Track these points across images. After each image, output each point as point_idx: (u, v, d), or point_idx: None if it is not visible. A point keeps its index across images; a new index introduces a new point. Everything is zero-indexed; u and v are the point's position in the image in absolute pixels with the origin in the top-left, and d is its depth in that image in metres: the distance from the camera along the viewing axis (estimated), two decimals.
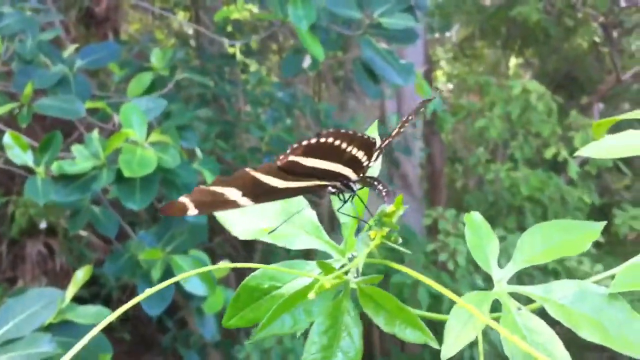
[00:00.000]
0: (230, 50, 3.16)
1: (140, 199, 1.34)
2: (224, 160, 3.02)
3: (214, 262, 1.88)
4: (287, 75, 2.56)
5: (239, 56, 3.31)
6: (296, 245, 0.38)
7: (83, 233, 3.32)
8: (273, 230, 0.37)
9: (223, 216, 0.38)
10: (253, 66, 3.88)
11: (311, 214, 0.39)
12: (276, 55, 4.49)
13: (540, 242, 0.39)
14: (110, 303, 3.49)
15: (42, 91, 1.59)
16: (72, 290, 1.21)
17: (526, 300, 0.36)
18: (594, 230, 0.39)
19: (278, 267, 0.36)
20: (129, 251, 1.78)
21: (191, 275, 1.37)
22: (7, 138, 1.34)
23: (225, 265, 0.37)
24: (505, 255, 2.83)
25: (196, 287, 1.56)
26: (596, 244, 2.58)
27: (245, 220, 0.38)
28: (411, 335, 0.33)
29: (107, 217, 1.76)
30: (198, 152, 1.59)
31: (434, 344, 0.34)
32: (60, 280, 3.53)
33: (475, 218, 0.41)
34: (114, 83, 2.25)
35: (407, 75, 1.66)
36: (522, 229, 3.19)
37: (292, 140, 3.05)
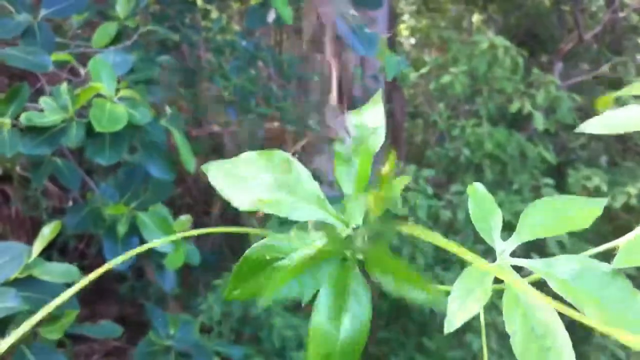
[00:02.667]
0: None
1: (110, 154, 1.33)
2: (186, 109, 2.99)
3: (174, 212, 1.88)
4: (251, 27, 2.52)
5: (199, 2, 3.23)
6: (297, 216, 0.37)
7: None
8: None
9: (225, 190, 0.38)
10: (214, 13, 3.80)
11: (314, 185, 0.38)
12: (237, 2, 4.40)
13: (543, 217, 0.40)
14: (67, 252, 3.46)
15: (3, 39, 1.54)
16: (39, 245, 1.20)
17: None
18: (596, 207, 0.40)
19: (280, 236, 0.36)
20: (91, 204, 1.76)
21: (164, 240, 1.36)
22: None
23: (220, 229, 0.37)
24: (463, 208, 2.88)
25: (162, 245, 1.55)
26: None
27: (245, 192, 0.37)
28: (421, 296, 0.32)
29: (70, 169, 1.73)
30: (167, 109, 1.57)
31: (443, 306, 0.35)
32: (16, 227, 3.49)
33: (478, 189, 0.41)
34: (72, 28, 2.19)
35: (370, 46, 1.67)
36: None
37: (256, 91, 3.03)
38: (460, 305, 0.33)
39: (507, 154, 3.15)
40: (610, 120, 0.40)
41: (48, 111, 1.33)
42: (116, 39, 1.73)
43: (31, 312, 1.19)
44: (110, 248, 1.59)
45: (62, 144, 1.36)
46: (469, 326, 2.87)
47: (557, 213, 0.39)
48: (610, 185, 3.42)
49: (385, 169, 0.35)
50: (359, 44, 1.81)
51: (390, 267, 0.32)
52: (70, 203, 3.43)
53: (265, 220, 3.36)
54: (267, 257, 0.34)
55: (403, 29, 4.76)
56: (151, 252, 1.70)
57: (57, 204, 3.45)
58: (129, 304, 3.49)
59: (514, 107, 3.12)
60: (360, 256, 0.35)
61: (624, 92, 0.45)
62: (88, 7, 2.12)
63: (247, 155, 0.37)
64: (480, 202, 0.39)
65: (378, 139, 0.39)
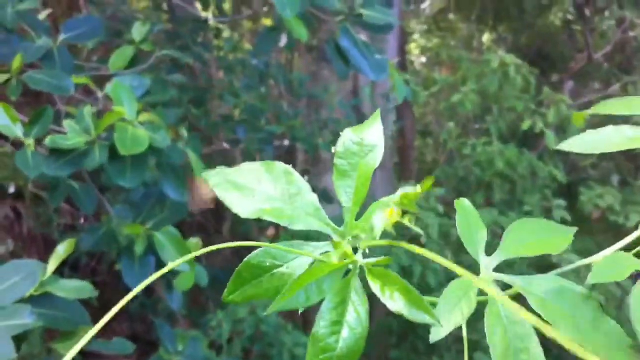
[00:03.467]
0: (203, 14, 3.16)
1: (131, 177, 1.39)
2: (197, 127, 3.05)
3: (184, 232, 1.95)
4: (263, 52, 2.59)
5: (212, 21, 3.32)
6: (297, 226, 0.39)
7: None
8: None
9: (226, 198, 0.40)
10: (226, 32, 3.89)
11: (313, 197, 0.40)
12: (249, 21, 4.49)
13: (524, 237, 0.44)
14: (78, 269, 3.52)
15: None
16: (53, 263, 1.26)
17: (503, 286, 0.41)
18: (569, 234, 0.44)
19: (280, 246, 0.39)
20: (107, 224, 1.82)
21: (183, 260, 1.42)
22: None
23: (231, 244, 0.39)
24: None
25: (179, 266, 1.61)
26: (563, 222, 2.69)
27: (249, 202, 0.40)
28: (417, 316, 0.36)
29: (85, 192, 1.80)
30: (183, 132, 1.64)
31: (436, 325, 0.37)
32: (28, 245, 3.56)
33: (464, 205, 0.45)
34: (87, 49, 2.26)
35: (380, 71, 1.73)
36: (490, 204, 3.30)
37: (266, 109, 3.09)
38: (446, 316, 0.38)
39: (517, 173, 3.20)
40: (586, 140, 0.45)
41: (71, 134, 1.39)
42: (132, 62, 1.81)
43: (45, 329, 1.25)
44: (128, 267, 1.65)
45: (85, 166, 1.42)
46: (479, 345, 2.91)
47: (537, 235, 0.43)
48: (623, 204, 3.46)
49: (417, 189, 0.38)
50: (369, 70, 1.88)
51: (390, 283, 0.36)
52: (82, 221, 3.51)
53: (276, 239, 3.42)
54: (267, 264, 0.38)
55: (414, 48, 4.84)
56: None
57: (69, 222, 3.52)
58: (139, 322, 3.54)
59: (525, 125, 3.18)
60: (362, 268, 0.38)
61: (597, 109, 0.49)
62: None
63: (250, 166, 0.40)
64: (467, 218, 0.43)
65: (377, 155, 0.42)
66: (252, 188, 0.40)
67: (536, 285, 0.38)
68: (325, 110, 3.56)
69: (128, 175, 1.45)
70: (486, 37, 4.56)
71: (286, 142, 3.62)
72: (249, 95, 3.07)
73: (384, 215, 0.37)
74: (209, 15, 3.10)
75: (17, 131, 1.40)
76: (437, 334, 0.36)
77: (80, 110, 1.50)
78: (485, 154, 3.14)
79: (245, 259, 0.40)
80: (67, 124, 1.45)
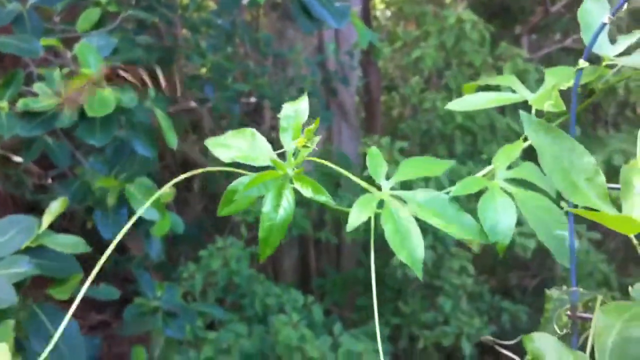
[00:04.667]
0: None
1: (100, 136, 1.51)
2: (163, 86, 3.15)
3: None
4: (226, 9, 2.69)
5: None
6: (258, 163, 0.59)
7: (18, 159, 3.41)
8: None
9: (216, 152, 0.60)
10: None
11: (268, 146, 0.61)
12: None
13: (413, 167, 0.63)
14: (51, 228, 3.62)
15: None
16: (48, 218, 1.40)
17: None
18: (445, 164, 0.63)
19: (248, 174, 0.59)
20: (81, 178, 1.95)
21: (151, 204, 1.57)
22: None
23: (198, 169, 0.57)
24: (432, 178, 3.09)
25: (150, 214, 1.75)
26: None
27: (228, 152, 0.60)
28: (318, 198, 0.56)
29: (59, 147, 1.91)
30: (151, 91, 1.75)
31: (329, 200, 0.56)
32: None
33: (372, 151, 0.63)
34: (55, 11, 2.34)
35: (341, 18, 1.85)
36: (452, 155, 3.47)
37: (233, 68, 3.20)
38: (357, 215, 0.53)
39: (477, 125, 3.36)
40: (465, 102, 0.62)
41: (42, 96, 1.51)
42: (99, 23, 1.91)
43: (41, 277, 1.39)
44: (102, 219, 1.78)
45: (56, 126, 1.54)
46: (441, 290, 3.11)
47: (422, 165, 0.60)
48: None
49: (311, 127, 0.59)
50: (330, 18, 1.99)
51: (303, 181, 0.56)
52: (50, 181, 3.61)
53: None
54: (240, 188, 0.57)
55: (378, 2, 4.94)
56: (140, 221, 1.89)
57: (37, 182, 3.61)
58: (111, 280, 3.67)
59: (481, 81, 3.32)
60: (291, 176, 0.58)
61: (482, 81, 0.66)
62: None
63: (229, 133, 0.61)
64: (374, 159, 0.60)
65: (302, 118, 0.62)
66: (230, 144, 0.61)
67: (417, 195, 0.55)
68: (291, 68, 3.67)
69: (97, 135, 1.57)
70: None
71: (252, 99, 3.73)
72: (216, 54, 3.16)
73: (297, 142, 0.56)
74: None
75: None
76: (350, 226, 0.52)
77: (49, 72, 1.61)
78: (445, 109, 3.29)
79: (228, 187, 0.59)
80: (37, 87, 1.56)
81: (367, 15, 4.15)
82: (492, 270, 4.14)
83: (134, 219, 0.63)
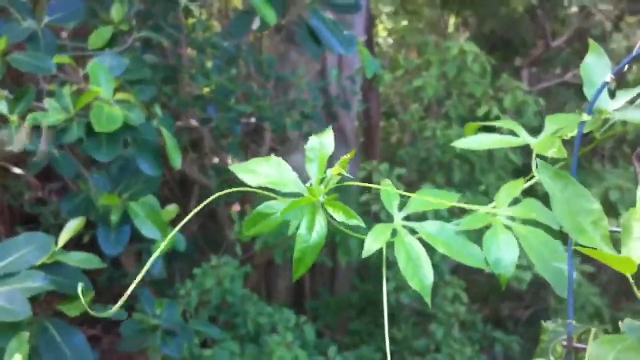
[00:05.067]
0: None
1: (107, 152, 1.56)
2: (168, 106, 3.20)
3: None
4: (236, 36, 2.75)
5: (183, 1, 3.44)
6: (286, 190, 0.64)
7: (18, 171, 3.44)
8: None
9: (244, 178, 0.64)
10: (196, 10, 4.01)
11: (294, 174, 0.65)
12: (218, 1, 4.61)
13: (422, 200, 0.68)
14: None
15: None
16: (65, 236, 1.45)
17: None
18: (454, 197, 0.68)
19: (279, 198, 0.64)
20: (85, 193, 1.99)
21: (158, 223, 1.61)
22: None
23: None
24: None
25: (152, 232, 1.79)
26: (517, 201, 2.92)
27: (256, 178, 0.64)
28: (350, 222, 0.60)
29: (65, 160, 1.95)
30: (158, 110, 1.80)
31: (361, 223, 0.60)
32: None
33: (386, 185, 0.68)
34: (68, 29, 2.40)
35: (349, 46, 1.90)
36: (450, 184, 3.52)
37: (236, 90, 3.25)
38: (372, 242, 0.58)
39: (475, 155, 3.41)
40: (470, 142, 0.67)
41: (52, 111, 1.56)
42: (111, 42, 1.97)
43: (55, 293, 1.43)
44: (104, 235, 1.82)
45: (64, 141, 1.59)
46: (434, 317, 3.14)
47: (432, 197, 0.64)
48: None
49: (346, 157, 0.64)
50: (338, 46, 2.05)
51: (335, 206, 0.60)
52: (48, 194, 3.63)
53: (242, 213, 3.59)
54: (267, 212, 0.62)
55: (381, 30, 5.02)
56: (142, 241, 1.93)
57: (37, 195, 3.63)
58: (105, 296, 3.69)
59: (482, 110, 3.39)
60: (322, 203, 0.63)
61: (485, 124, 0.71)
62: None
63: (256, 160, 0.66)
64: (387, 193, 0.65)
65: (329, 150, 0.66)
66: (257, 171, 0.65)
67: (427, 227, 0.60)
68: (294, 92, 3.72)
69: (104, 150, 1.62)
70: (451, 22, 4.75)
71: (253, 120, 3.78)
72: (220, 76, 3.22)
73: (332, 171, 0.60)
74: None
75: (3, 108, 1.56)
76: (368, 251, 0.57)
77: (59, 89, 1.66)
78: (445, 137, 3.35)
79: (256, 210, 0.64)
80: (47, 102, 1.61)
81: (370, 43, 4.22)
82: (485, 300, 4.18)
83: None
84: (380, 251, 0.60)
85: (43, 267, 1.35)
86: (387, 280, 2.96)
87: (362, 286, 3.67)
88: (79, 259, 1.41)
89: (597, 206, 0.54)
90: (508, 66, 4.55)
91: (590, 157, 4.71)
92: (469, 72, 3.36)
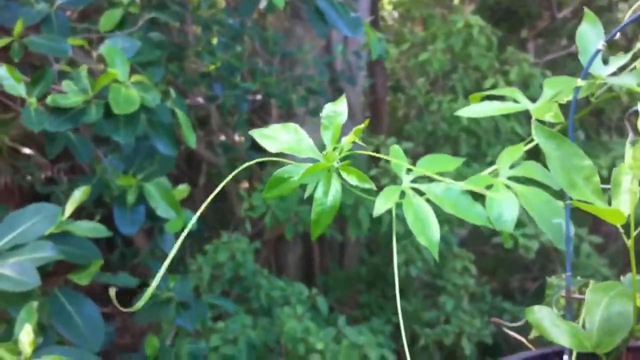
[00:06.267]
0: None
1: (125, 133, 1.62)
2: (175, 84, 3.25)
3: None
4: (245, 15, 2.79)
5: None
6: (303, 155, 0.67)
7: (28, 151, 3.51)
8: None
9: (263, 143, 0.67)
10: None
11: (310, 141, 0.68)
12: None
13: (430, 162, 0.73)
14: None
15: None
16: (71, 206, 1.50)
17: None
18: (459, 161, 0.73)
19: (295, 163, 0.67)
20: (100, 174, 2.05)
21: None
22: (3, 70, 1.58)
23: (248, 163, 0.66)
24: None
25: (166, 212, 1.85)
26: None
27: (274, 144, 0.67)
28: (363, 185, 0.64)
29: (81, 143, 2.01)
30: (172, 92, 1.86)
31: (372, 187, 0.63)
32: (5, 198, 3.75)
33: (395, 148, 0.72)
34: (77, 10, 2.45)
35: (355, 28, 1.95)
36: (457, 156, 3.57)
37: (242, 67, 3.30)
38: (382, 203, 0.63)
39: (481, 127, 3.46)
40: (471, 110, 0.73)
41: (70, 93, 1.61)
42: (121, 24, 2.01)
43: (64, 262, 1.50)
44: (120, 215, 1.89)
45: (83, 122, 1.64)
46: (444, 289, 3.21)
47: (438, 161, 0.70)
48: None
49: (360, 127, 0.66)
50: (345, 27, 2.10)
51: (349, 171, 0.64)
52: (56, 173, 3.70)
53: (250, 189, 3.65)
54: (285, 176, 0.66)
55: (386, 3, 5.04)
56: (156, 219, 2.00)
57: (47, 174, 3.70)
58: (119, 270, 3.76)
59: (488, 83, 3.43)
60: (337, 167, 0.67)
61: (486, 93, 0.77)
62: None
63: (274, 126, 0.69)
64: (397, 155, 0.69)
65: (343, 117, 0.70)
66: (277, 137, 0.68)
67: (434, 187, 0.65)
68: (299, 67, 3.76)
69: (122, 132, 1.68)
70: None
71: (259, 97, 3.82)
72: (225, 53, 3.26)
73: (346, 139, 0.65)
74: None
75: (21, 90, 1.62)
76: (378, 210, 0.62)
77: (76, 70, 1.71)
78: (451, 110, 3.40)
79: (274, 174, 0.66)
80: (65, 84, 1.66)
81: (375, 17, 4.24)
82: (493, 272, 4.25)
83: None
84: (390, 223, 0.65)
85: (51, 237, 1.40)
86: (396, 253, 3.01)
87: (371, 259, 3.74)
88: (86, 228, 1.46)
89: (588, 162, 0.60)
90: (513, 38, 4.58)
91: (597, 128, 4.74)
92: (474, 45, 3.40)
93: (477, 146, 3.55)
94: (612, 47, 4.47)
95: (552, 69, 3.89)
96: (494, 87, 3.42)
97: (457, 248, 3.23)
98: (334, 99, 0.75)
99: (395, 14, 5.27)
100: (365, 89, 4.25)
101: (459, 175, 3.04)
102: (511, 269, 4.31)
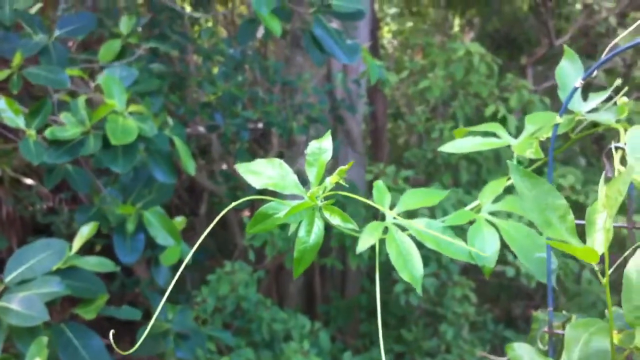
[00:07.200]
0: (178, 1, 3.37)
1: (123, 163, 1.63)
2: (176, 114, 3.28)
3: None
4: (242, 43, 2.83)
5: (188, 9, 3.52)
6: (286, 192, 0.68)
7: (29, 181, 3.52)
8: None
9: (248, 178, 0.69)
10: (201, 19, 4.09)
11: (294, 177, 0.69)
12: (223, 6, 4.70)
13: (413, 198, 0.74)
14: None
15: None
16: (78, 242, 1.52)
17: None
18: (440, 195, 0.74)
19: (279, 201, 0.68)
20: (98, 204, 2.06)
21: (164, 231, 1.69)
22: (2, 103, 1.60)
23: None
24: (439, 206, 3.19)
25: (166, 240, 1.86)
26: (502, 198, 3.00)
27: (259, 180, 0.69)
28: (345, 225, 0.65)
29: (79, 174, 2.03)
30: (169, 120, 1.88)
31: (355, 227, 0.65)
32: (7, 227, 3.76)
33: (379, 184, 0.74)
34: (76, 41, 2.48)
35: (353, 55, 1.97)
36: (457, 184, 3.58)
37: (242, 96, 3.32)
38: (366, 239, 0.64)
39: (482, 155, 3.47)
40: (456, 145, 0.74)
41: (68, 125, 1.63)
42: (121, 54, 2.04)
43: (71, 297, 1.51)
44: (120, 244, 1.90)
45: (81, 154, 1.66)
46: (444, 318, 3.20)
47: (421, 196, 0.71)
48: (585, 184, 3.75)
49: (342, 168, 0.67)
50: (342, 55, 2.12)
51: (332, 211, 0.65)
52: (58, 203, 3.71)
53: (252, 217, 3.66)
54: (270, 212, 0.67)
55: (386, 32, 5.09)
56: (154, 248, 2.00)
57: (49, 205, 3.72)
58: (117, 302, 3.76)
59: (488, 110, 3.45)
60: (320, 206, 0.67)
61: (472, 129, 0.78)
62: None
63: (260, 161, 0.70)
64: (380, 191, 0.71)
65: (327, 155, 0.71)
66: (261, 172, 0.69)
67: (415, 223, 0.66)
68: (299, 95, 3.79)
69: (120, 162, 1.70)
70: (456, 22, 4.81)
71: (260, 125, 3.84)
72: (226, 82, 3.29)
73: (329, 179, 0.66)
74: (185, 8, 3.30)
75: (20, 123, 1.64)
76: (360, 247, 0.63)
77: (74, 101, 1.73)
78: (452, 138, 3.41)
79: (258, 210, 0.68)
80: (64, 116, 1.68)
81: (375, 45, 4.28)
82: (496, 300, 4.24)
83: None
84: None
85: (58, 272, 1.42)
86: (397, 281, 3.02)
87: (372, 288, 3.72)
88: (93, 263, 1.48)
89: (562, 202, 0.61)
90: (513, 65, 4.61)
91: (599, 154, 4.75)
92: (475, 72, 3.43)
93: (478, 173, 3.56)
94: (612, 74, 4.50)
95: (551, 95, 3.91)
96: (494, 114, 3.44)
97: (457, 276, 3.23)
98: (334, 127, 0.76)
99: (395, 42, 5.31)
100: (365, 117, 4.28)
101: (459, 203, 3.04)
102: (514, 297, 4.30)
